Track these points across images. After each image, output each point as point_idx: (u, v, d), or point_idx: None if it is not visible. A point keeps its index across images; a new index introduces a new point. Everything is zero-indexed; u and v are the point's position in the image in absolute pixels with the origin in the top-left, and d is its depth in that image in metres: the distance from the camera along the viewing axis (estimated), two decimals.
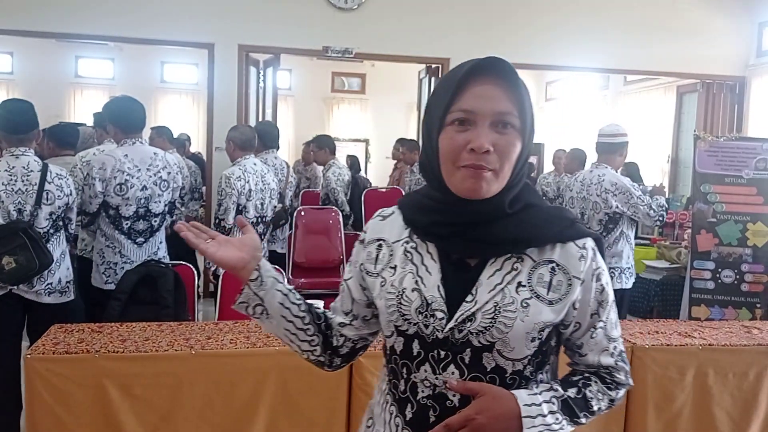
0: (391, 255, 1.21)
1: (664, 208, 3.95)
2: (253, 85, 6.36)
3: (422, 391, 1.16)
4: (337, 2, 6.01)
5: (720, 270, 4.24)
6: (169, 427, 2.33)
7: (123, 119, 3.44)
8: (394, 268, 1.19)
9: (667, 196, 5.49)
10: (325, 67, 11.23)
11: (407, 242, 1.20)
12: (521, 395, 1.11)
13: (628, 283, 3.98)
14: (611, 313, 1.22)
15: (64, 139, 4.23)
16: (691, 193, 4.63)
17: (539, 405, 1.11)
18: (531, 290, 1.13)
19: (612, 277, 3.88)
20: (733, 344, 2.79)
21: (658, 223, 4.03)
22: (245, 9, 5.90)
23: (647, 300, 4.64)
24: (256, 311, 1.24)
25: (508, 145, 1.11)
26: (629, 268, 3.98)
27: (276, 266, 3.84)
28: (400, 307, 1.16)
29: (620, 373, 1.24)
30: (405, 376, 1.18)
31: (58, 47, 9.97)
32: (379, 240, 1.24)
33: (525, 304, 1.12)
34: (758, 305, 4.24)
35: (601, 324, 1.21)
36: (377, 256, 1.23)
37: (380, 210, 1.29)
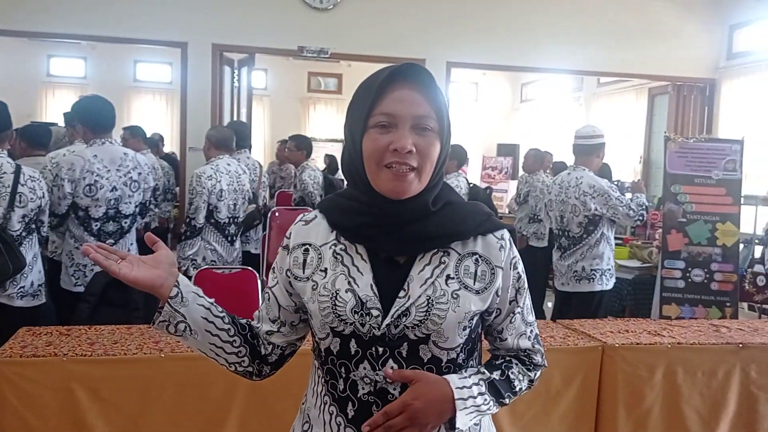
0: (320, 258, 1.23)
1: (643, 207, 3.96)
2: (227, 85, 6.31)
3: (363, 389, 1.18)
4: (312, 2, 5.99)
5: (690, 269, 4.30)
6: (139, 430, 2.30)
7: (92, 119, 3.39)
8: (325, 271, 1.21)
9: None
10: (302, 66, 11.19)
11: (335, 245, 1.23)
12: (453, 379, 1.18)
13: (608, 284, 4.00)
14: (527, 299, 1.30)
15: (36, 140, 4.17)
16: (662, 194, 4.69)
17: (470, 387, 1.18)
18: (459, 282, 1.20)
19: (593, 279, 3.92)
20: (701, 343, 2.82)
21: (638, 222, 4.04)
22: (219, 8, 5.85)
23: (620, 299, 4.69)
24: (179, 329, 1.21)
25: (428, 146, 1.17)
26: (609, 269, 4.00)
27: (249, 267, 3.79)
28: (335, 309, 1.18)
29: (537, 355, 1.33)
30: (344, 375, 1.20)
31: (30, 46, 9.82)
32: (305, 244, 1.26)
33: (455, 296, 1.18)
34: (728, 304, 4.31)
35: (518, 310, 1.28)
36: (305, 260, 1.24)
37: (301, 215, 1.32)
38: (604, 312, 4.05)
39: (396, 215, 1.18)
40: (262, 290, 3.64)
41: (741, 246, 4.70)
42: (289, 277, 1.26)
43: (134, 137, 5.69)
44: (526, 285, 1.29)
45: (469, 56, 6.35)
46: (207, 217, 3.91)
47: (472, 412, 1.18)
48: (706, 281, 4.30)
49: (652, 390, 2.72)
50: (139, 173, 3.49)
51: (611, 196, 3.89)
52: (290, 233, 1.29)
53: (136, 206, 3.50)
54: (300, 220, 1.29)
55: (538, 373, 1.33)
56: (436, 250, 1.20)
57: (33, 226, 3.14)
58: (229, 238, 4.04)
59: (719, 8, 6.84)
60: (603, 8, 6.55)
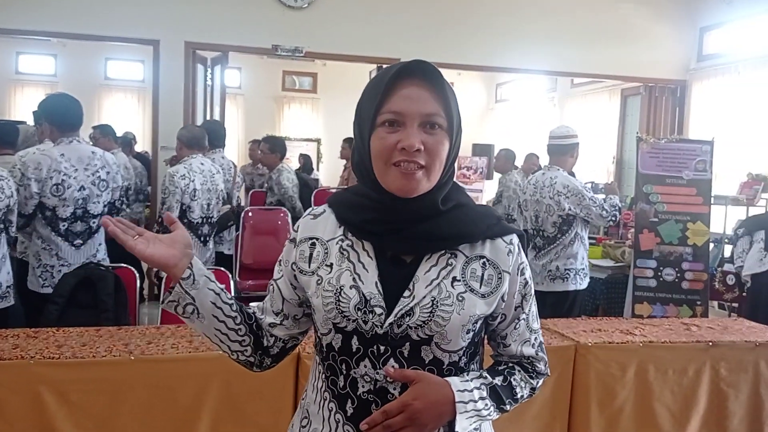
0: (326, 253, 1.22)
1: (617, 208, 3.99)
2: (200, 83, 6.25)
3: (362, 387, 1.17)
4: (287, 0, 5.96)
5: (662, 268, 4.35)
6: None
7: (59, 117, 3.33)
8: (330, 266, 1.20)
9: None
10: (276, 65, 11.13)
11: (342, 240, 1.22)
12: (454, 382, 1.17)
13: (582, 283, 4.02)
14: (533, 306, 1.29)
15: (3, 138, 4.07)
16: (634, 194, 4.74)
17: (471, 391, 1.17)
18: (465, 284, 1.18)
19: (567, 279, 3.94)
20: (672, 341, 2.85)
21: (611, 223, 4.06)
22: (192, 5, 5.79)
23: (593, 298, 4.72)
24: (187, 310, 1.21)
25: (436, 144, 1.15)
26: (583, 269, 4.02)
27: (223, 268, 3.74)
28: (339, 304, 1.17)
29: (540, 362, 1.31)
30: (344, 372, 1.19)
31: None
32: (312, 238, 1.25)
33: (460, 298, 1.16)
34: (698, 302, 4.37)
35: (523, 316, 1.27)
36: (311, 254, 1.23)
37: (310, 209, 1.31)
38: (578, 311, 4.08)
39: (404, 213, 1.17)
40: (235, 291, 3.60)
41: (711, 245, 4.77)
42: (294, 271, 1.25)
43: (104, 136, 5.61)
44: (533, 292, 1.28)
45: (444, 56, 6.35)
46: (180, 217, 3.85)
47: (472, 416, 1.17)
48: (677, 280, 4.36)
49: (624, 388, 2.75)
50: (108, 172, 3.43)
51: (585, 197, 3.91)
52: (298, 226, 1.28)
53: (105, 206, 3.44)
54: (308, 214, 1.29)
55: (540, 381, 1.31)
56: (443, 252, 1.19)
57: (1, 226, 3.06)
58: (202, 239, 4.00)
59: (690, 11, 6.95)
60: (576, 11, 6.62)
